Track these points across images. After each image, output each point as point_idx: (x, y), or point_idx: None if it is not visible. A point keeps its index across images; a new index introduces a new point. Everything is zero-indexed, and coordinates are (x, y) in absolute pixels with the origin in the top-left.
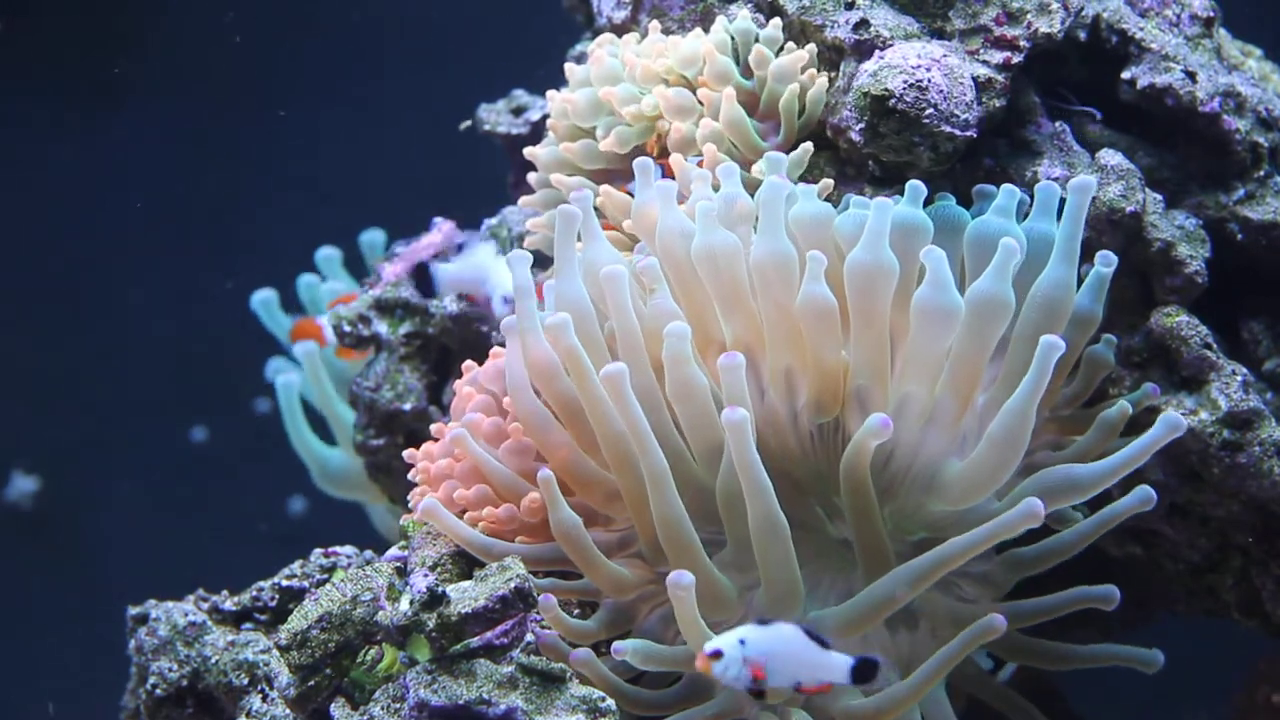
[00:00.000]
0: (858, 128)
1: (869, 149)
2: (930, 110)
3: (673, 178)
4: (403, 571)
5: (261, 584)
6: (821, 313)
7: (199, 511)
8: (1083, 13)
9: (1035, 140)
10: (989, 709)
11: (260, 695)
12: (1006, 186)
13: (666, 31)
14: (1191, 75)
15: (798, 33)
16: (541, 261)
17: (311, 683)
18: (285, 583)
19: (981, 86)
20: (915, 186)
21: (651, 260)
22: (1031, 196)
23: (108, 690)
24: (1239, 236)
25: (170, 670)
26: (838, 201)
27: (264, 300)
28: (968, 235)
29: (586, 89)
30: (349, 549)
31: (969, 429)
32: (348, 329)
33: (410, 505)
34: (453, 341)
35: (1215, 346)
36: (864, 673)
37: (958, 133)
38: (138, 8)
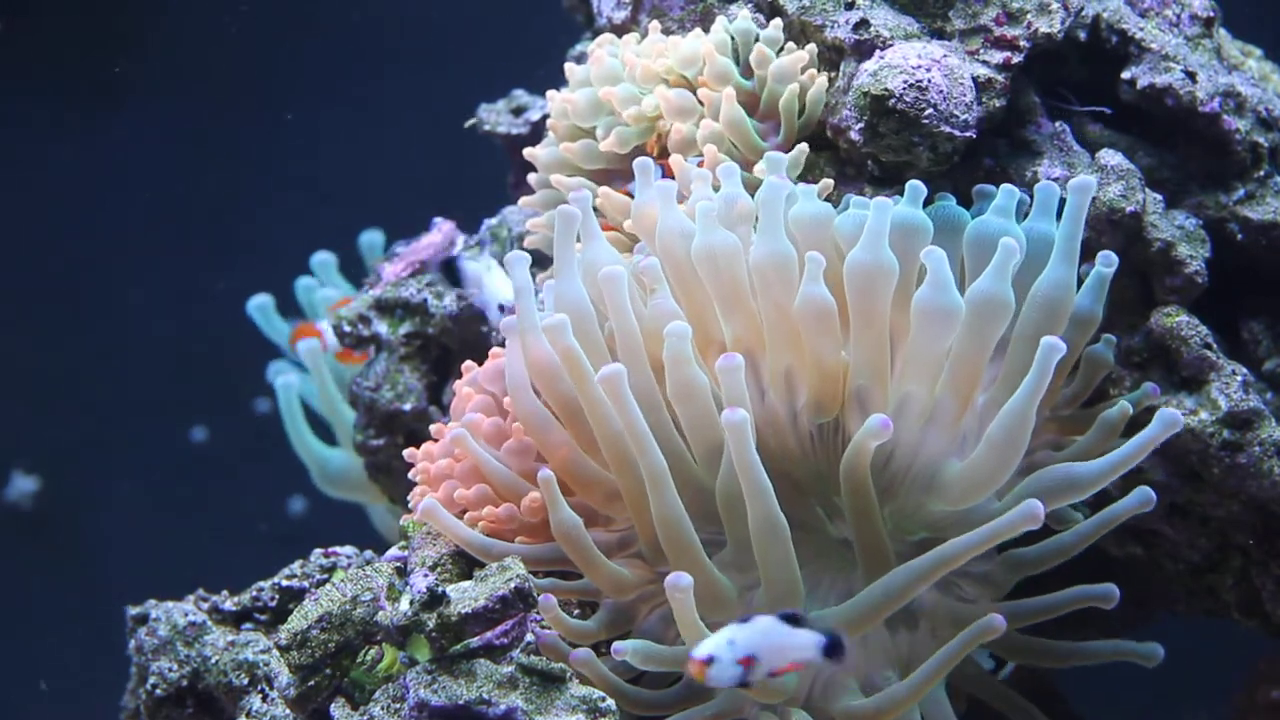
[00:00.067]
0: (857, 128)
1: (869, 149)
2: (930, 110)
3: (673, 178)
4: (403, 571)
5: (261, 584)
6: (820, 313)
7: (199, 511)
8: (1083, 13)
9: (1035, 140)
10: (989, 709)
11: (260, 695)
12: (1006, 186)
13: (666, 32)
14: (1191, 75)
15: (798, 33)
16: (541, 261)
17: (311, 683)
18: (285, 583)
19: (981, 86)
20: (915, 186)
21: (652, 260)
22: (1031, 196)
23: (108, 690)
24: (1239, 236)
25: (170, 670)
26: (837, 201)
27: (260, 305)
28: (967, 235)
29: (586, 89)
30: (349, 549)
31: (969, 429)
32: (348, 329)
33: (410, 505)
34: (453, 341)
35: (1215, 346)
36: (834, 648)
37: (957, 133)
38: (138, 8)
